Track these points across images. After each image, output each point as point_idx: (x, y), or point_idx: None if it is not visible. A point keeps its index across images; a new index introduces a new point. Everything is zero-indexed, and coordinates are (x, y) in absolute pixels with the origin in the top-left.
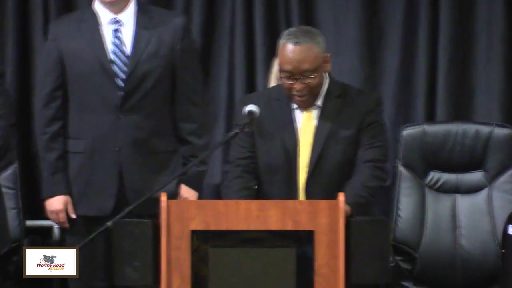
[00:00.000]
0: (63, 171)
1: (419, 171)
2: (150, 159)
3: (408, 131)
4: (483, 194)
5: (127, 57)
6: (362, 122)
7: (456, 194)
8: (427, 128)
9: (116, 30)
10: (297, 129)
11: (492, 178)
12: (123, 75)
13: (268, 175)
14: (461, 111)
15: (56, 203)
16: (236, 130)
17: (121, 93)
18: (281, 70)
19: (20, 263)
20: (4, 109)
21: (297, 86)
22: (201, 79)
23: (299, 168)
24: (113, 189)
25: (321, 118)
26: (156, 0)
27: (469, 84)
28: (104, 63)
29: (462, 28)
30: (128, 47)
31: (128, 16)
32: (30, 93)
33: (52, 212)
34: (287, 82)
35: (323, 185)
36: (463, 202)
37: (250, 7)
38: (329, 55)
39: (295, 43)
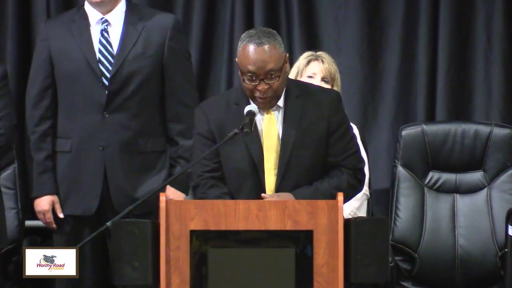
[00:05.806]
0: (51, 171)
1: (419, 171)
2: (136, 159)
3: (407, 131)
4: (482, 194)
5: (113, 56)
6: (329, 124)
7: (456, 194)
8: (427, 128)
9: (103, 30)
10: (260, 132)
11: (491, 178)
12: (109, 75)
13: (235, 181)
14: (461, 111)
15: (43, 203)
16: (235, 131)
17: (106, 92)
18: (242, 72)
19: (20, 263)
20: (7, 109)
21: (261, 87)
22: (192, 79)
23: (265, 172)
24: (98, 189)
25: (286, 122)
26: (156, 0)
27: (469, 84)
28: (91, 63)
29: (462, 28)
30: (115, 47)
31: (117, 16)
32: None
33: (39, 212)
34: (250, 84)
35: (293, 189)
36: (463, 202)
37: (250, 6)
38: (287, 55)
39: (258, 44)
